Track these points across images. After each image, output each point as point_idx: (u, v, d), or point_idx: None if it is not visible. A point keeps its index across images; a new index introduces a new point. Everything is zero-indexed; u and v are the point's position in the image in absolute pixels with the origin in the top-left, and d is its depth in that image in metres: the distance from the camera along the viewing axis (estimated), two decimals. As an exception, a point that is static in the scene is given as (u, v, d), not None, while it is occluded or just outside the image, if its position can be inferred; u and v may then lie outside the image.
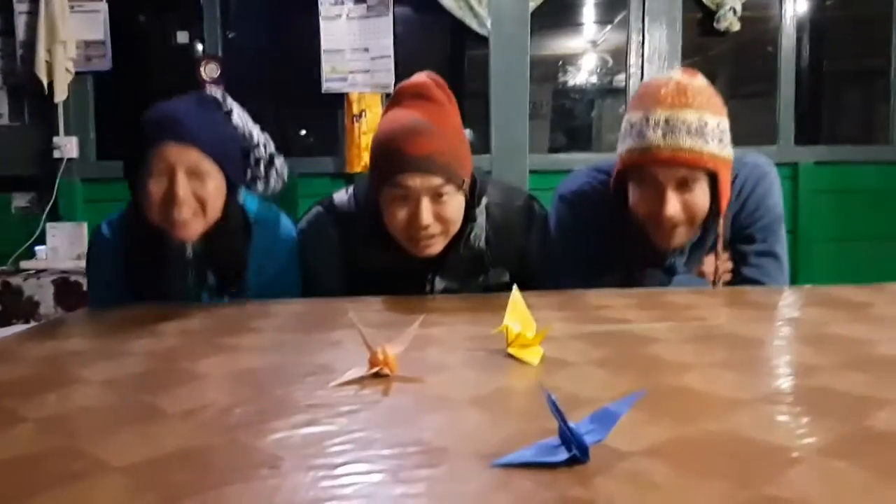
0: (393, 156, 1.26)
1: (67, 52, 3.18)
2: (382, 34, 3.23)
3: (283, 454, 0.57)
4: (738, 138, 1.39)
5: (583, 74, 3.97)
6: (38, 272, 2.92)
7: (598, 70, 3.96)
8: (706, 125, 1.28)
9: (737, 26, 3.35)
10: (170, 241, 1.33)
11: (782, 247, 1.44)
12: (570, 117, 4.01)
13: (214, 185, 1.30)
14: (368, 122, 3.23)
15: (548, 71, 3.89)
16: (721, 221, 1.37)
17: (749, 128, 3.42)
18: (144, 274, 1.38)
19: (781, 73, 3.43)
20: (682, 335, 0.95)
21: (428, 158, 1.25)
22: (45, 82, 3.14)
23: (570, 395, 0.70)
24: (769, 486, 0.50)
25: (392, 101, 1.35)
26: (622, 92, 3.61)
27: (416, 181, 1.25)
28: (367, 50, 3.23)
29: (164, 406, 0.70)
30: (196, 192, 1.28)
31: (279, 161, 1.48)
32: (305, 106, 3.55)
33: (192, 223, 1.29)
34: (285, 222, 1.49)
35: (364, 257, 1.39)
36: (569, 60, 3.94)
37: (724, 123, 1.33)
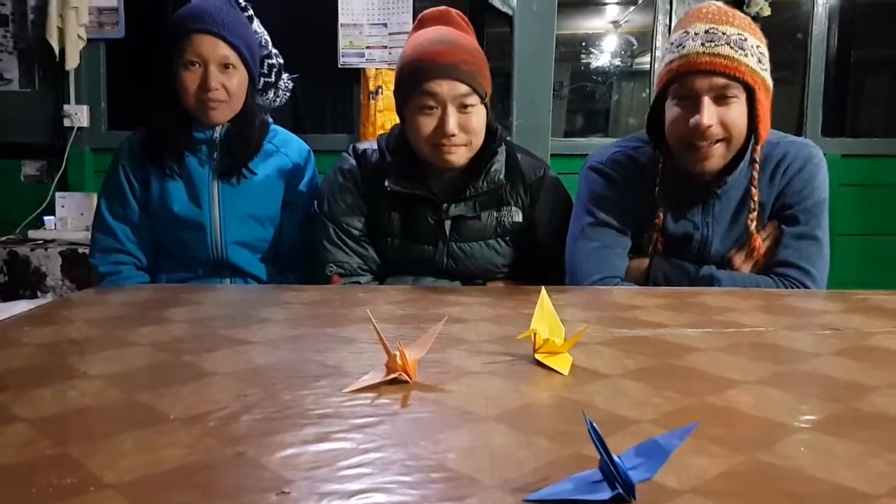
0: (421, 66, 1.32)
1: (80, 18, 3.11)
2: (401, 9, 3.14)
3: (293, 476, 0.51)
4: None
5: (604, 56, 3.86)
6: (46, 243, 2.88)
7: (621, 52, 3.85)
8: (746, 40, 1.26)
9: (767, 11, 3.23)
10: (199, 124, 1.48)
11: (824, 231, 1.37)
12: (589, 100, 3.90)
13: (239, 78, 1.45)
14: (385, 99, 3.14)
15: (567, 51, 3.79)
16: (758, 150, 1.31)
17: (773, 117, 3.28)
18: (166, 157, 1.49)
19: (811, 62, 3.32)
20: (720, 343, 0.89)
21: (454, 66, 1.31)
22: (56, 49, 3.08)
23: (607, 414, 0.64)
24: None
25: (415, 26, 1.44)
26: (645, 75, 3.52)
27: (443, 87, 1.31)
28: (385, 25, 3.15)
29: (166, 409, 0.64)
30: (224, 84, 1.43)
31: (285, 76, 1.62)
32: (321, 80, 3.46)
33: (223, 108, 1.45)
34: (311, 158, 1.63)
35: (383, 188, 1.40)
36: (590, 41, 3.83)
37: (764, 49, 1.31)
